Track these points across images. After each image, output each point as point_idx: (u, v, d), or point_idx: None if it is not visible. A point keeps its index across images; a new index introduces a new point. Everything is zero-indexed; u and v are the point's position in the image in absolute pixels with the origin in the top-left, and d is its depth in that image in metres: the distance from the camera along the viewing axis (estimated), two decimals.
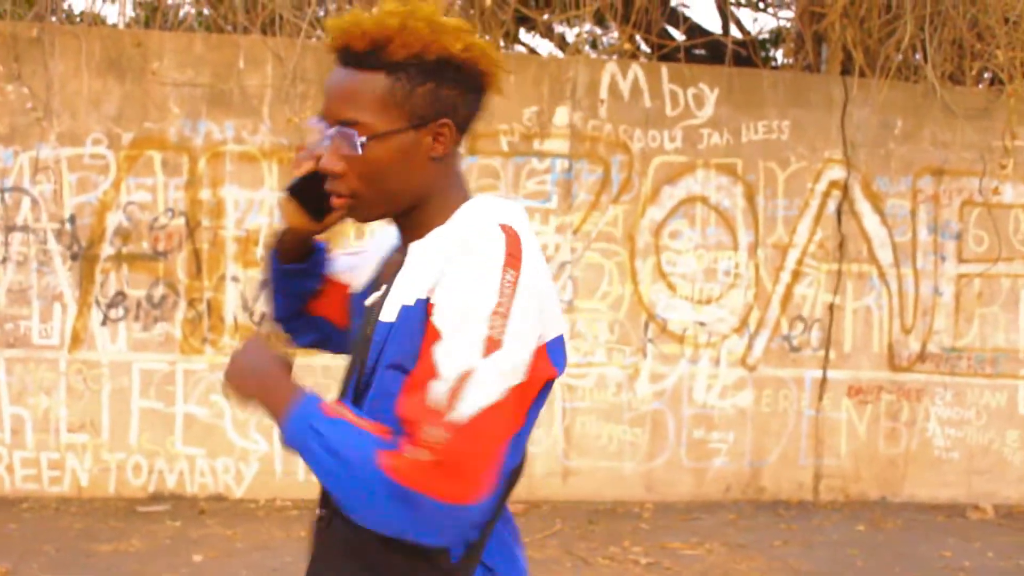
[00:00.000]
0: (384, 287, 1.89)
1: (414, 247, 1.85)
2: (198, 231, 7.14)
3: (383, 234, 2.09)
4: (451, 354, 1.67)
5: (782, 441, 7.88)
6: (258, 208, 7.18)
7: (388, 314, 1.80)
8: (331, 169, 1.81)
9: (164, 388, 7.16)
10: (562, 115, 7.52)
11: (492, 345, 1.67)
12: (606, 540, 6.69)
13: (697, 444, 7.77)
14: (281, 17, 7.31)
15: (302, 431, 1.69)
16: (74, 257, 7.08)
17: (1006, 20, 7.99)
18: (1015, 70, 7.97)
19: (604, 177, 7.58)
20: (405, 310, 1.77)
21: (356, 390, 1.85)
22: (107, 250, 7.09)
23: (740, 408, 7.80)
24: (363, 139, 1.79)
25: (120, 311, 7.11)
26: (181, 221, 7.14)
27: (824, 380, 7.94)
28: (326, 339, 2.24)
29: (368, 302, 1.91)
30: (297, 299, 2.18)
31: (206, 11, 8.16)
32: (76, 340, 7.09)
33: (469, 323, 1.67)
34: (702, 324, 7.75)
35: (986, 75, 8.67)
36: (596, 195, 7.57)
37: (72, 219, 7.07)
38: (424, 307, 1.74)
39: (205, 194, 7.15)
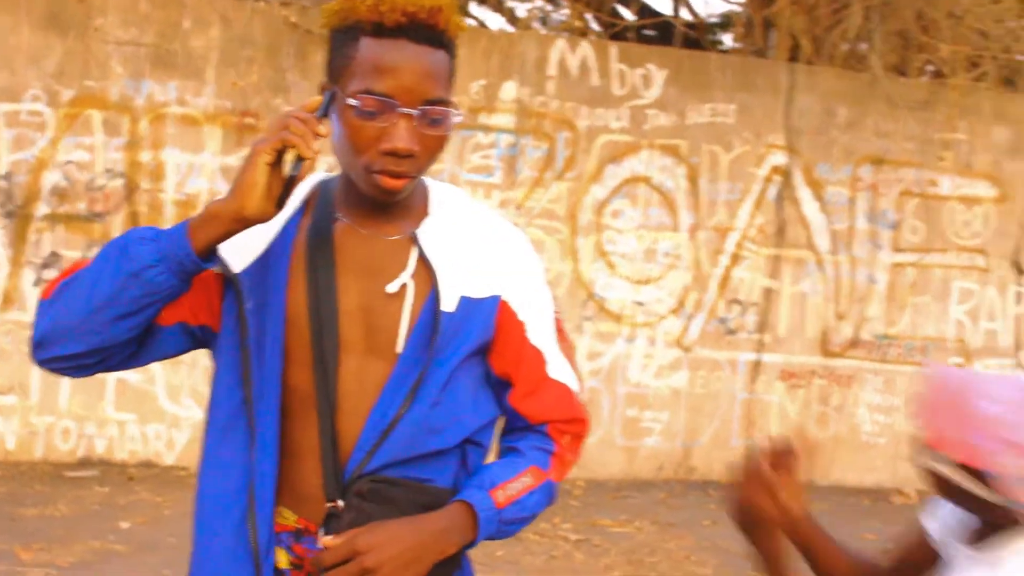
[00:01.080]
0: (405, 274, 1.86)
1: (425, 233, 1.89)
2: (137, 193, 7.04)
3: None
4: (560, 362, 1.98)
5: (714, 422, 7.98)
6: (199, 172, 7.09)
7: (448, 304, 1.86)
8: (412, 150, 1.78)
9: None
10: (509, 90, 7.50)
11: (570, 350, 2.03)
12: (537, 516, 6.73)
13: (631, 423, 7.84)
14: None
15: (500, 532, 1.90)
16: (8, 215, 6.95)
17: (951, 14, 8.10)
18: (958, 64, 8.08)
19: (549, 154, 7.58)
20: (467, 302, 1.88)
21: (416, 382, 1.84)
22: (42, 209, 6.97)
23: (674, 388, 7.88)
24: (458, 117, 1.86)
25: (54, 272, 6.99)
26: (120, 183, 7.04)
27: (758, 363, 8.04)
28: (173, 348, 1.92)
29: (392, 289, 1.85)
30: (152, 313, 1.81)
31: None
32: (7, 300, 6.97)
33: (553, 331, 1.99)
34: (640, 304, 7.80)
35: (929, 68, 8.78)
36: (540, 171, 7.58)
37: (7, 176, 6.93)
38: (497, 304, 1.91)
39: (145, 156, 7.05)
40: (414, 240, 1.88)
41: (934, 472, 1.73)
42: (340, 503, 1.82)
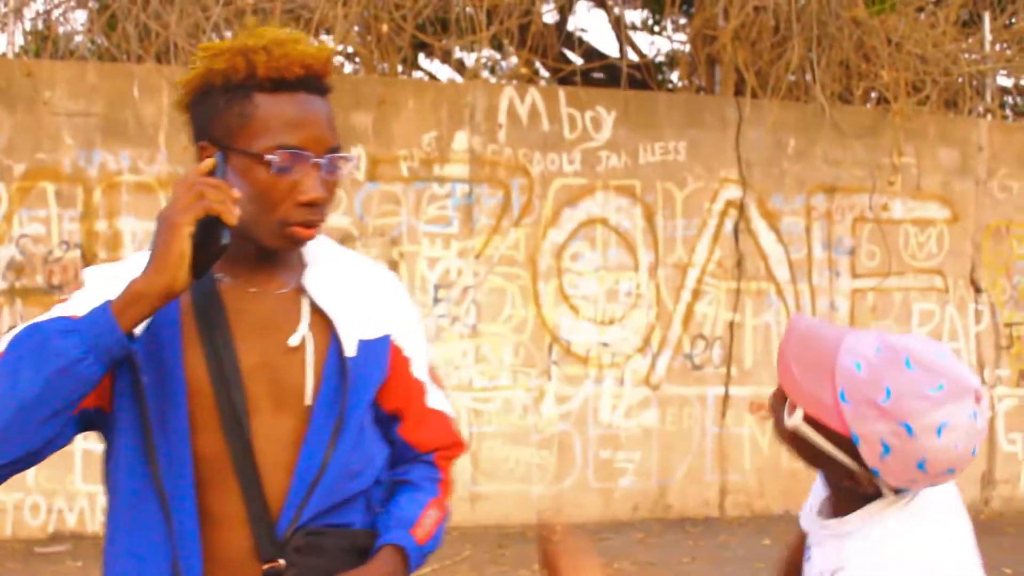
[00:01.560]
0: (303, 326, 1.87)
1: (311, 283, 1.91)
2: (95, 263, 6.98)
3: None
4: (436, 392, 2.08)
5: (687, 458, 7.97)
6: None
7: (350, 349, 1.89)
8: (325, 198, 1.82)
9: None
10: (461, 140, 7.55)
11: (439, 378, 2.14)
12: (516, 564, 6.70)
13: (604, 464, 7.83)
14: (176, 45, 7.23)
15: (417, 566, 1.96)
16: None
17: (889, 42, 8.25)
18: (899, 90, 8.22)
19: (504, 201, 7.62)
20: (364, 344, 1.92)
21: (334, 430, 1.87)
22: (0, 285, 6.93)
23: (645, 427, 7.88)
24: (352, 161, 1.90)
25: None
26: (76, 253, 7.00)
27: (727, 397, 8.07)
28: (70, 437, 1.77)
29: (294, 342, 1.86)
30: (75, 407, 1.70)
31: (99, 40, 8.04)
32: None
33: (427, 362, 2.08)
34: (605, 345, 7.82)
35: (872, 95, 8.92)
36: (497, 219, 7.61)
37: None
38: (388, 343, 1.97)
39: (101, 225, 7.02)
40: (302, 291, 1.90)
41: (793, 431, 1.65)
42: (281, 562, 1.81)
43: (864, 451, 1.57)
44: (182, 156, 7.06)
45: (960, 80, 8.72)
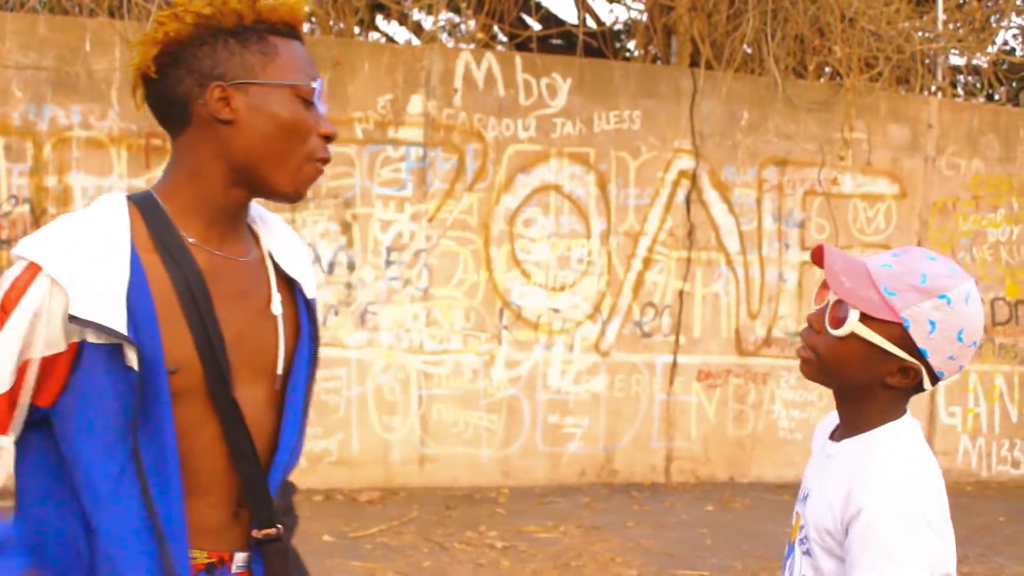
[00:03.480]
0: (275, 293, 1.91)
1: (269, 243, 1.95)
2: (44, 219, 6.93)
3: (83, 247, 1.73)
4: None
5: (635, 425, 8.06)
6: None
7: (314, 315, 1.98)
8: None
9: None
10: (416, 103, 7.54)
11: None
12: (463, 525, 6.76)
13: (552, 429, 7.90)
14: (129, 0, 7.14)
15: None
16: None
17: (843, 18, 8.31)
18: (852, 65, 8.30)
19: (459, 165, 7.63)
20: (311, 305, 1.98)
21: (306, 395, 1.93)
22: None
23: (594, 393, 7.95)
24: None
25: None
26: (26, 208, 6.93)
27: (675, 365, 8.15)
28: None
29: (277, 311, 1.89)
30: None
31: None
32: None
33: None
34: (556, 311, 7.87)
35: (826, 70, 9.00)
36: (451, 183, 7.62)
37: None
38: (315, 304, 2.00)
39: (51, 181, 6.95)
40: (269, 257, 1.93)
41: (848, 336, 1.85)
42: (278, 528, 1.86)
43: (914, 332, 1.82)
44: (134, 113, 6.99)
45: (912, 58, 8.81)
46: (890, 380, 1.87)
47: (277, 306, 1.88)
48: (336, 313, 7.34)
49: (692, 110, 8.12)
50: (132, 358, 1.69)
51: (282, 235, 1.99)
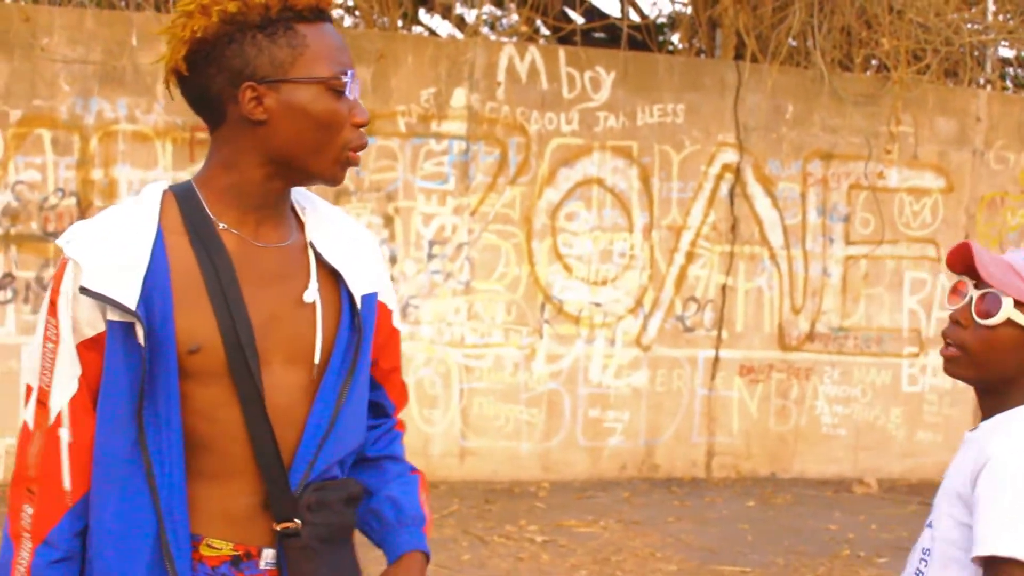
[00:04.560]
0: (313, 281, 1.88)
1: (314, 233, 1.93)
2: (90, 212, 7.01)
3: (87, 248, 1.78)
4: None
5: (676, 420, 8.03)
6: None
7: (358, 304, 1.93)
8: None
9: None
10: (460, 97, 7.54)
11: None
12: (502, 519, 6.77)
13: (593, 423, 7.89)
14: None
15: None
16: None
17: (891, 9, 8.22)
18: (900, 58, 8.21)
19: (501, 159, 7.63)
20: (365, 300, 1.93)
21: (344, 385, 1.90)
22: None
23: (635, 387, 7.93)
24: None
25: (8, 293, 6.96)
26: (72, 201, 7.01)
27: (716, 359, 8.12)
28: None
29: (310, 298, 1.86)
30: None
31: None
32: None
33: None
34: (597, 305, 7.85)
35: (873, 62, 8.90)
36: (493, 177, 7.62)
37: None
38: (376, 299, 1.97)
39: (97, 174, 7.03)
40: (308, 245, 1.90)
41: (980, 334, 1.96)
42: (296, 522, 1.81)
43: None
44: (180, 106, 7.01)
45: (961, 50, 8.70)
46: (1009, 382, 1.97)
47: (312, 294, 1.86)
48: None
49: (736, 103, 8.06)
50: (139, 334, 1.72)
51: (333, 225, 1.97)
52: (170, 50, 1.81)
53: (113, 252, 1.74)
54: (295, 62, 1.77)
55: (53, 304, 1.77)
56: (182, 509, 1.77)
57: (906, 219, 8.46)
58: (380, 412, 2.10)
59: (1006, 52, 10.03)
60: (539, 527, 6.62)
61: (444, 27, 9.45)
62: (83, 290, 1.72)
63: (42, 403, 1.78)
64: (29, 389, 1.81)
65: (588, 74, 7.78)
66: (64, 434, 1.76)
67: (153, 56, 6.96)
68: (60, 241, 1.78)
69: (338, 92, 1.79)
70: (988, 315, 1.95)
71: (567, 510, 7.05)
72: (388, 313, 2.03)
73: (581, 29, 8.47)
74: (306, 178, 1.85)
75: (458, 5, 8.75)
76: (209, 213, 1.82)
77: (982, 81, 9.31)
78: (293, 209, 1.94)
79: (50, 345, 1.77)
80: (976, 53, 9.14)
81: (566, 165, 7.76)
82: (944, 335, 2.04)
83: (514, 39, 8.31)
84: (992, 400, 2.01)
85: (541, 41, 8.64)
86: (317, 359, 1.86)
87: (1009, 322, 1.94)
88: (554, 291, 7.77)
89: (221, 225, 1.82)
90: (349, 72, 1.81)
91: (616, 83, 7.83)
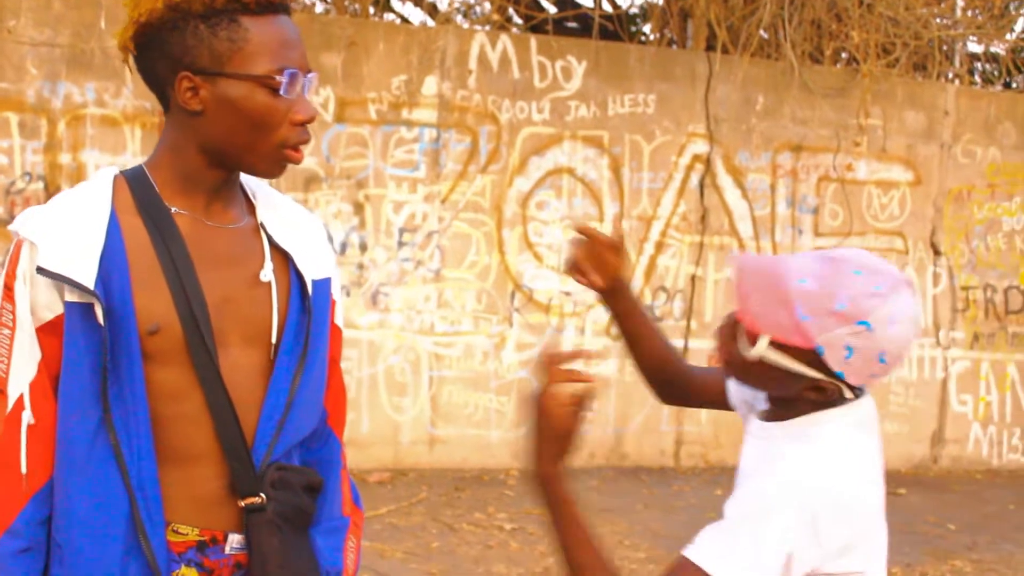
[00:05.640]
0: (267, 262, 1.87)
1: (265, 215, 1.93)
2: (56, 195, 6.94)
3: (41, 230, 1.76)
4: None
5: (645, 409, 8.06)
6: None
7: (310, 288, 1.91)
8: (315, 117, 1.84)
9: None
10: (431, 84, 7.52)
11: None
12: (472, 507, 6.78)
13: None
14: None
15: None
16: None
17: (861, 3, 8.27)
18: (869, 51, 8.26)
19: (472, 147, 7.62)
20: (317, 284, 1.92)
21: (298, 366, 1.88)
22: None
23: (604, 376, 7.95)
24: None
25: None
26: (39, 185, 6.94)
27: (686, 349, 8.15)
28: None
29: (267, 278, 1.86)
30: None
31: None
32: None
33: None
34: (567, 294, 7.87)
35: (843, 55, 8.95)
36: (464, 165, 7.61)
37: None
38: (329, 285, 1.96)
39: (65, 158, 6.96)
40: (260, 227, 1.91)
41: (758, 360, 1.74)
42: (262, 496, 1.81)
43: (829, 358, 1.69)
44: (148, 91, 6.96)
45: (930, 44, 8.76)
46: (807, 395, 1.76)
47: (267, 273, 1.86)
48: (348, 294, 7.34)
49: (707, 94, 8.08)
50: (99, 314, 1.71)
51: (278, 208, 1.97)
52: (122, 28, 1.81)
53: (68, 233, 1.73)
54: (233, 56, 1.75)
55: (8, 288, 1.74)
56: (154, 488, 1.76)
57: (874, 211, 8.52)
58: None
59: (974, 47, 10.12)
60: (508, 515, 6.64)
61: (416, 14, 9.43)
62: (40, 270, 1.70)
63: None
64: None
65: (560, 63, 7.78)
66: (26, 418, 1.74)
67: None
68: (14, 226, 1.77)
69: (285, 89, 1.77)
70: (748, 343, 1.75)
71: (536, 498, 7.05)
72: (332, 304, 2.01)
73: (553, 18, 8.47)
74: (243, 170, 1.85)
75: None
76: (159, 195, 1.82)
77: (950, 75, 9.39)
78: (243, 191, 1.94)
79: (6, 331, 1.75)
80: (945, 47, 9.22)
81: (537, 154, 7.76)
82: (715, 336, 1.88)
83: (486, 27, 8.29)
84: (778, 405, 1.86)
85: (513, 30, 8.63)
86: (274, 339, 1.86)
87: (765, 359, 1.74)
88: (524, 280, 7.78)
89: (173, 209, 1.82)
90: (288, 71, 1.77)
91: (587, 73, 7.83)
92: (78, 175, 6.95)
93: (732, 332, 1.81)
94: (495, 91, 7.64)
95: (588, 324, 7.92)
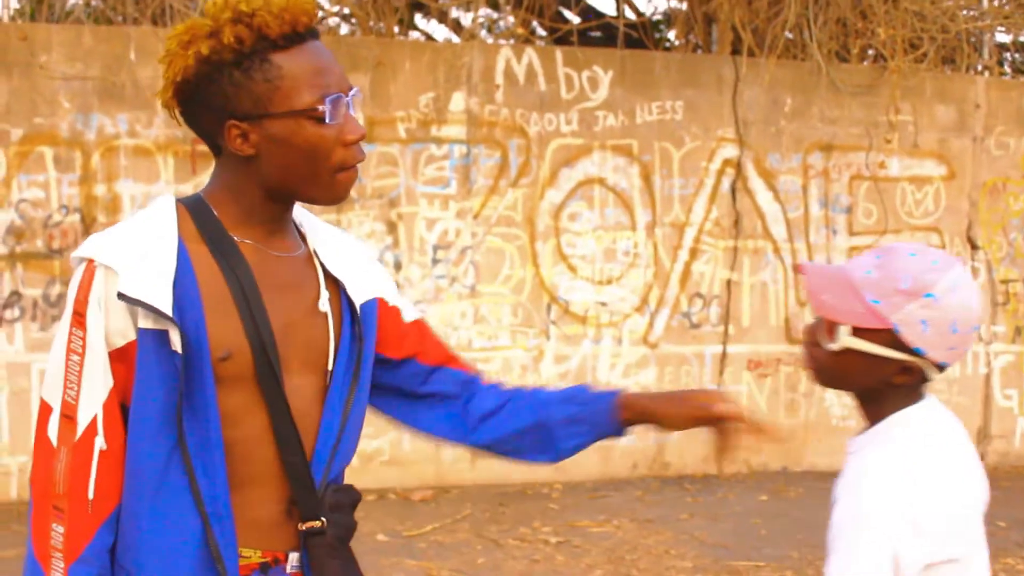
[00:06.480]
0: (324, 290, 1.93)
1: (316, 243, 1.98)
2: (94, 227, 7.02)
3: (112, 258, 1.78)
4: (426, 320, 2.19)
5: None
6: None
7: (359, 313, 1.98)
8: (364, 134, 1.88)
9: None
10: (458, 101, 7.55)
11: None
12: (516, 522, 6.77)
13: None
14: (171, 7, 7.21)
15: None
16: None
17: None
18: (896, 47, 8.20)
19: (502, 161, 7.63)
20: (364, 308, 1.98)
21: (350, 391, 1.95)
22: (0, 250, 6.94)
23: (643, 385, 7.93)
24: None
25: (16, 311, 6.97)
26: (76, 218, 7.02)
27: (724, 355, 8.12)
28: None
29: (324, 307, 1.91)
30: None
31: (94, 2, 8.01)
32: None
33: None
34: (603, 304, 7.86)
35: (870, 52, 8.90)
36: (495, 179, 7.63)
37: None
38: (375, 304, 2.02)
39: (100, 189, 7.04)
40: (313, 255, 1.96)
41: (843, 350, 1.88)
42: (323, 520, 1.85)
43: (907, 334, 1.84)
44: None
45: (958, 37, 8.69)
46: (895, 380, 1.89)
47: (325, 303, 1.91)
48: None
49: (735, 98, 8.06)
50: (176, 341, 1.73)
51: (327, 236, 2.02)
52: (161, 88, 1.85)
53: (142, 260, 1.75)
54: (273, 96, 1.78)
55: (79, 315, 1.76)
56: (227, 511, 1.79)
57: (908, 208, 8.45)
58: (451, 393, 2.17)
59: (1003, 37, 10.04)
60: (553, 528, 6.63)
61: (440, 31, 9.46)
62: (120, 296, 1.72)
63: (68, 417, 1.76)
64: (47, 406, 1.79)
65: (586, 74, 7.79)
66: (98, 444, 1.76)
67: (152, 70, 6.98)
68: (85, 252, 1.78)
69: (331, 116, 1.80)
70: (831, 339, 1.90)
71: (580, 510, 7.05)
72: (395, 312, 2.09)
73: (577, 29, 8.47)
74: (306, 200, 1.89)
75: (454, 9, 8.76)
76: (223, 225, 1.86)
77: (980, 67, 9.31)
78: (293, 221, 1.99)
79: (75, 357, 1.76)
80: (973, 39, 9.14)
81: (567, 165, 7.76)
82: (803, 348, 2.02)
83: (511, 41, 8.31)
84: (865, 405, 1.99)
85: (538, 42, 8.65)
86: (331, 366, 1.91)
87: (851, 348, 1.88)
88: (559, 292, 7.77)
89: (236, 237, 1.85)
90: (329, 98, 1.79)
91: (614, 82, 7.83)
92: (114, 206, 7.02)
93: (813, 337, 1.96)
94: (523, 104, 7.66)
95: (625, 333, 7.90)
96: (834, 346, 1.88)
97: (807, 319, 8.19)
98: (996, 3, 9.42)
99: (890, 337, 1.85)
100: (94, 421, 1.75)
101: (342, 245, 2.03)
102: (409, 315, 2.12)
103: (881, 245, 2.00)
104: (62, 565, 1.75)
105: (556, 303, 7.77)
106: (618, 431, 2.13)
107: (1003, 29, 9.59)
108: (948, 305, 1.82)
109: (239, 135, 1.80)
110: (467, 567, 5.87)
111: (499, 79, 7.62)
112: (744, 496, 7.51)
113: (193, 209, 1.87)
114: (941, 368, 1.91)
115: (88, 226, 6.99)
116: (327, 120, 1.79)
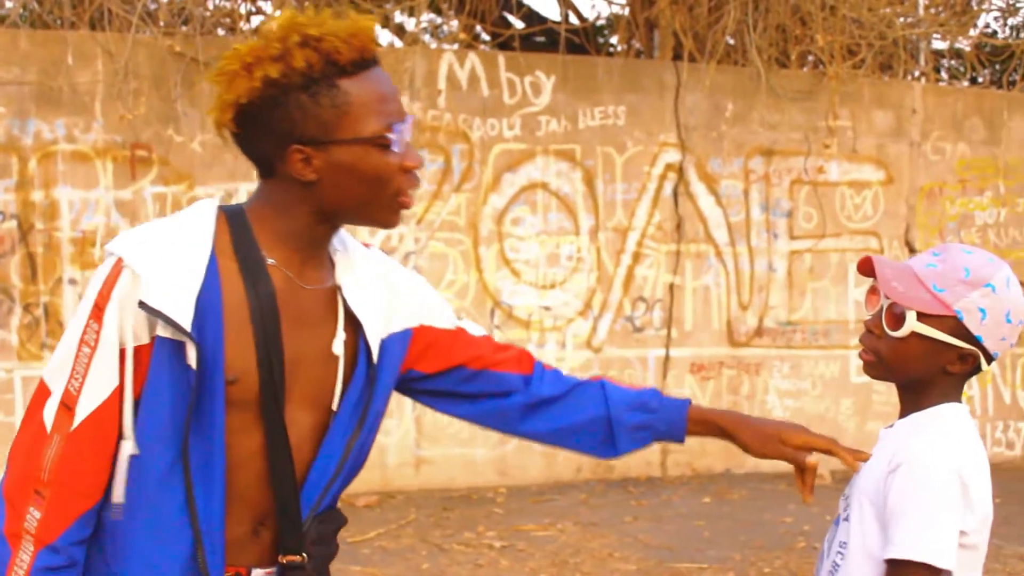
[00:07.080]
0: (339, 330, 1.91)
1: (344, 276, 1.94)
2: (31, 234, 6.93)
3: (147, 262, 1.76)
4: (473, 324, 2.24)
5: None
6: (94, 208, 7.00)
7: (375, 356, 1.95)
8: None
9: (2, 397, 6.95)
10: None
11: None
12: (461, 526, 6.77)
13: None
14: (110, 11, 7.13)
15: None
16: None
17: (824, 6, 8.32)
18: (835, 53, 8.31)
19: (445, 167, 7.63)
20: (385, 344, 1.96)
21: (354, 433, 1.93)
22: None
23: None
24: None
25: None
26: (13, 224, 6.92)
27: (667, 358, 8.17)
28: None
29: (338, 349, 1.90)
30: None
31: (31, 6, 7.90)
32: None
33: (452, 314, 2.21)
34: (547, 308, 7.88)
35: (809, 58, 9.01)
36: (438, 184, 7.62)
37: None
38: (410, 335, 2.03)
39: (37, 195, 6.94)
40: (338, 290, 1.93)
41: (908, 336, 1.99)
42: (303, 556, 1.87)
43: (968, 322, 1.97)
44: (119, 124, 6.98)
45: (895, 43, 8.83)
46: (951, 368, 2.02)
47: (338, 347, 1.90)
48: None
49: (676, 103, 8.12)
50: (191, 356, 1.73)
51: (363, 265, 1.99)
52: (217, 109, 1.81)
53: (170, 269, 1.74)
54: (340, 122, 1.77)
55: (99, 309, 1.74)
56: (220, 531, 1.80)
57: (848, 212, 8.56)
58: (497, 392, 2.21)
59: (939, 44, 10.20)
60: (497, 533, 6.63)
61: (384, 36, 9.44)
62: (142, 305, 1.71)
63: (67, 406, 1.74)
64: (46, 389, 1.77)
65: (528, 79, 7.81)
66: (91, 440, 1.75)
67: (89, 75, 6.90)
68: (116, 248, 1.76)
69: (397, 144, 1.80)
70: (896, 326, 2.01)
71: (524, 515, 7.06)
72: (439, 332, 2.12)
73: (520, 34, 8.50)
74: (360, 223, 1.89)
75: (397, 14, 8.75)
76: (258, 245, 1.84)
77: (916, 74, 9.46)
78: (329, 247, 1.97)
79: (86, 349, 1.74)
80: (909, 46, 9.28)
81: (510, 170, 7.78)
82: (861, 341, 2.12)
83: (454, 46, 8.32)
84: (911, 398, 2.09)
85: (481, 47, 8.66)
86: (335, 407, 1.90)
87: (915, 333, 1.99)
88: (503, 296, 7.79)
89: (269, 260, 1.84)
90: (396, 126, 1.80)
91: (556, 87, 7.86)
92: (51, 212, 6.93)
93: (877, 328, 2.06)
94: (465, 109, 7.66)
95: (569, 337, 7.93)
96: (900, 332, 1.99)
97: (748, 323, 8.29)
98: (932, 11, 9.57)
99: (953, 324, 1.97)
100: (92, 416, 1.74)
101: (379, 273, 2.01)
102: (452, 324, 2.15)
103: (937, 245, 2.25)
104: (32, 549, 1.74)
105: (500, 308, 7.78)
106: (681, 440, 2.20)
107: (939, 36, 9.76)
108: (1005, 296, 1.98)
109: (302, 159, 1.78)
110: (412, 572, 5.86)
111: (442, 84, 7.62)
112: (688, 498, 7.56)
113: (232, 221, 1.85)
114: (990, 359, 2.03)
115: (25, 232, 6.89)
116: (394, 148, 1.80)
